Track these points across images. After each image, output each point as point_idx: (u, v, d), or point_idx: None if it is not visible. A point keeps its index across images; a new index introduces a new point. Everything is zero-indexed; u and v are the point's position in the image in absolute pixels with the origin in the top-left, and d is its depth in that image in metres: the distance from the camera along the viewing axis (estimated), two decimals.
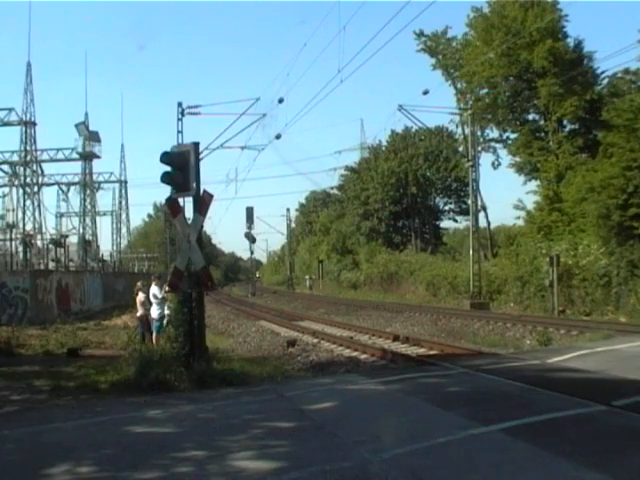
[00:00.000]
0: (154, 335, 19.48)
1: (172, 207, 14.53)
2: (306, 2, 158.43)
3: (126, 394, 12.36)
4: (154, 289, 19.80)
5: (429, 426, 8.98)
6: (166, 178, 13.74)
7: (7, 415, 11.17)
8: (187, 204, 16.97)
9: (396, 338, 23.78)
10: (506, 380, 12.54)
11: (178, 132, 40.65)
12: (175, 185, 13.90)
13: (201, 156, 15.68)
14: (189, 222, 14.35)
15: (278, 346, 23.43)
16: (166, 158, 13.73)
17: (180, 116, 40.60)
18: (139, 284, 21.37)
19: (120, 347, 21.56)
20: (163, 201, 19.69)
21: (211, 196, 14.32)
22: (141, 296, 20.58)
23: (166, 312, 18.07)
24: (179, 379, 12.90)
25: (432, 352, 20.08)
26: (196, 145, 14.21)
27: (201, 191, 14.11)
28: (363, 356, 19.99)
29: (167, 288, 16.68)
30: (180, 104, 40.84)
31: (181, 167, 13.68)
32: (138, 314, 20.99)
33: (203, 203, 14.14)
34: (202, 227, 14.62)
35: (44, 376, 15.39)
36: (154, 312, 19.69)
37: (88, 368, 16.47)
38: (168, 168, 13.79)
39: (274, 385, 13.16)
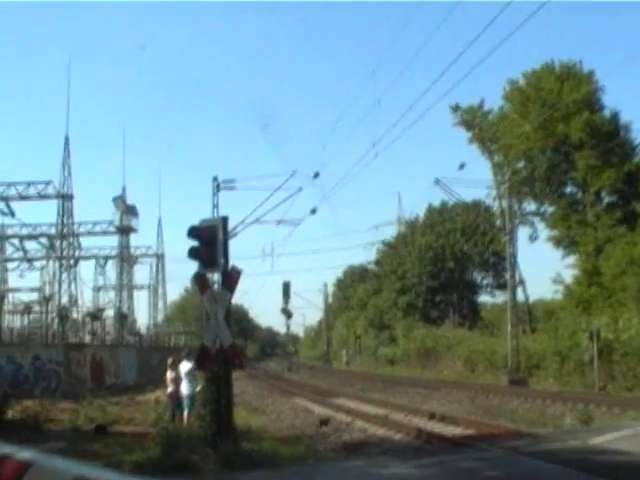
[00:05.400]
0: (185, 413, 19.13)
1: (200, 283, 14.40)
2: (340, 74, 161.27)
3: (150, 475, 11.98)
4: (184, 365, 19.55)
5: None
6: (193, 253, 13.62)
7: None
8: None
9: (432, 416, 23.18)
10: (545, 463, 11.99)
11: (214, 207, 40.92)
12: (202, 261, 13.74)
13: (236, 230, 15.67)
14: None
15: (311, 424, 22.89)
16: (194, 233, 13.62)
17: (215, 190, 40.92)
18: (170, 360, 21.12)
19: (150, 424, 21.21)
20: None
21: (239, 273, 14.07)
22: (171, 372, 20.31)
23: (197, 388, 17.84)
24: (205, 460, 12.52)
25: (468, 431, 19.43)
26: (224, 220, 14.12)
27: (229, 267, 13.92)
28: (397, 436, 19.40)
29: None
30: (215, 178, 41.23)
31: (209, 242, 13.54)
32: (168, 390, 20.67)
33: (231, 280, 13.92)
34: (230, 303, 14.40)
35: (68, 454, 15.04)
36: (185, 389, 19.39)
37: (115, 446, 16.09)
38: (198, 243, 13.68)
39: (304, 467, 12.72)
